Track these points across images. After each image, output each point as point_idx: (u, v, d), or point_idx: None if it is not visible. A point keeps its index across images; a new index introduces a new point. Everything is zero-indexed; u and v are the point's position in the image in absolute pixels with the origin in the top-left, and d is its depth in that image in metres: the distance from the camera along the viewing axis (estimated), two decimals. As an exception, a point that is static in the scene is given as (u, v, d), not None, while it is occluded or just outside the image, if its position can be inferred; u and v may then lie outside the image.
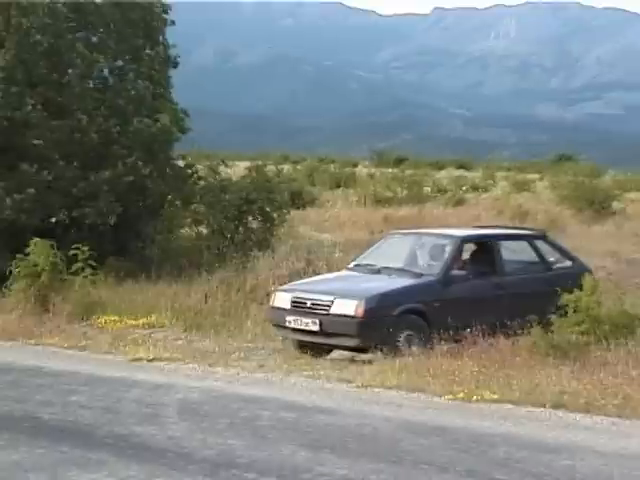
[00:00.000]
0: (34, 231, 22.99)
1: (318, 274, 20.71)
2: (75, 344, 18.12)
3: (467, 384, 13.13)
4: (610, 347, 14.71)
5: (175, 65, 28.69)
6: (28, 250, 21.64)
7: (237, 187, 28.23)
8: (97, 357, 17.07)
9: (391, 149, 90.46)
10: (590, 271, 18.31)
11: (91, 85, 27.30)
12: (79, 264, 21.30)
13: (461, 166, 79.95)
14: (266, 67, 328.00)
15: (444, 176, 65.79)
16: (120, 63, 27.93)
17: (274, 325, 17.46)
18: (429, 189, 52.96)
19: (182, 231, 28.80)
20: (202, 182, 28.33)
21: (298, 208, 36.57)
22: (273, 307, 17.32)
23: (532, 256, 18.45)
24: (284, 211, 29.22)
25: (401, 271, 17.46)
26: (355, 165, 78.55)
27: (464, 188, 55.47)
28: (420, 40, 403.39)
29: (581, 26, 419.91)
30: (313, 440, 10.69)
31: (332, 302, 16.23)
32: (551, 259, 18.53)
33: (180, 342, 17.89)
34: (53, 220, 24.91)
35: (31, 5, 25.58)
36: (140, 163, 25.93)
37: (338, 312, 16.09)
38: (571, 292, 16.50)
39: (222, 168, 30.40)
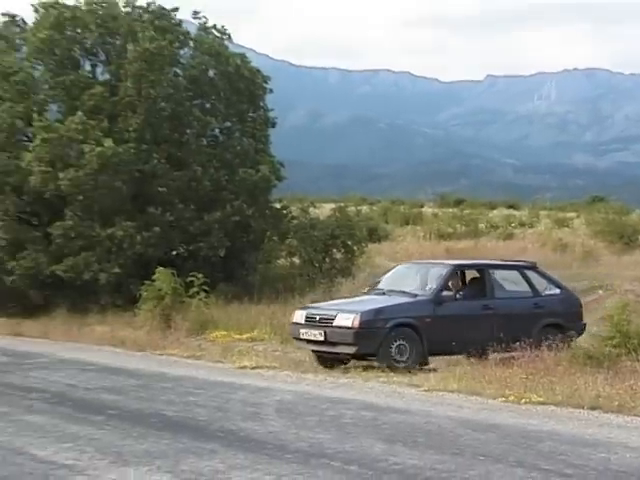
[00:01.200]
0: (159, 262, 23.23)
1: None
2: (192, 354, 18.31)
3: (517, 389, 13.04)
4: (638, 358, 14.53)
5: (273, 125, 28.88)
6: (154, 277, 21.87)
7: (324, 225, 28.30)
8: (210, 365, 17.20)
9: (451, 192, 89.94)
10: (577, 298, 18.40)
11: (205, 142, 27.57)
12: (195, 289, 21.47)
13: (510, 206, 78.98)
14: (348, 126, 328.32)
15: (496, 215, 65.10)
16: (228, 124, 28.17)
17: (293, 338, 17.45)
18: (483, 225, 52.55)
19: (279, 261, 28.91)
20: (295, 221, 28.43)
21: (374, 242, 36.43)
22: (292, 323, 17.31)
23: (523, 284, 17.76)
24: (363, 244, 29.25)
25: (401, 292, 17.35)
26: (421, 206, 78.05)
27: (513, 224, 54.91)
28: (475, 102, 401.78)
29: (610, 89, 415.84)
30: (388, 435, 10.68)
31: (335, 316, 16.29)
32: (540, 287, 17.74)
33: (277, 353, 17.95)
34: (174, 253, 25.19)
35: (158, 79, 25.91)
36: (244, 206, 26.09)
37: (339, 324, 16.10)
38: (558, 315, 17.03)
39: (311, 209, 30.55)
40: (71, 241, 24.58)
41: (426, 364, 16.34)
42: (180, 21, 28.14)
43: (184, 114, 26.67)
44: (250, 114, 28.08)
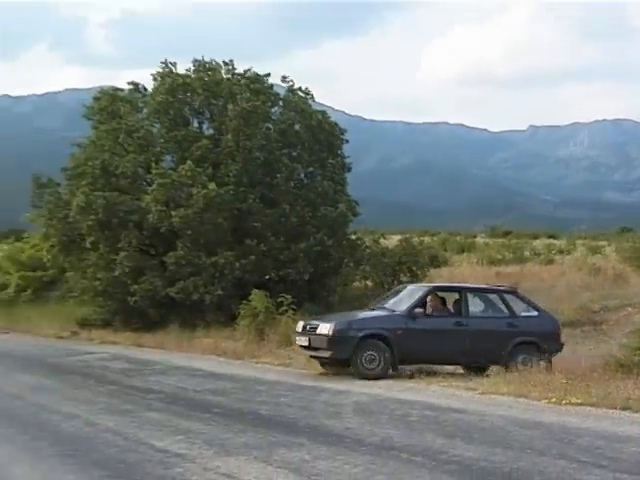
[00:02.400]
0: (254, 285, 23.38)
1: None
2: (282, 362, 18.38)
3: (558, 392, 12.87)
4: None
5: (349, 169, 28.96)
6: (250, 298, 22.01)
7: (392, 253, 28.29)
8: (297, 372, 17.24)
9: (500, 225, 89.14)
10: (555, 321, 17.48)
11: (292, 185, 27.70)
12: (284, 307, 21.55)
13: (550, 236, 78.06)
14: (412, 169, 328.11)
15: (538, 244, 64.36)
16: (312, 169, 28.30)
17: (296, 343, 17.47)
18: (528, 253, 51.97)
19: (354, 284, 28.92)
20: (368, 250, 28.44)
21: (435, 267, 36.13)
22: (295, 331, 17.47)
23: (501, 306, 17.03)
24: (425, 269, 29.19)
25: (383, 308, 17.11)
26: (474, 236, 77.44)
27: (553, 252, 54.24)
28: (520, 148, 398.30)
29: (635, 136, 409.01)
30: (448, 431, 10.62)
31: (318, 326, 16.34)
32: (517, 309, 16.93)
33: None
34: (267, 277, 25.29)
35: (253, 133, 26.16)
36: (325, 237, 26.15)
37: (319, 332, 16.13)
38: (533, 335, 16.37)
39: (382, 240, 30.55)
40: (182, 268, 24.85)
41: (395, 371, 16.19)
42: (271, 84, 28.44)
43: (275, 161, 26.90)
44: (330, 161, 28.22)
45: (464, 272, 37.86)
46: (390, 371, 16.19)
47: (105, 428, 11.50)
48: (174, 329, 24.30)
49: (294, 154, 27.95)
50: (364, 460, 9.09)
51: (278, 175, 27.07)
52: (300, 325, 17.22)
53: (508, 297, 17.10)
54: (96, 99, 28.88)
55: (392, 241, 32.34)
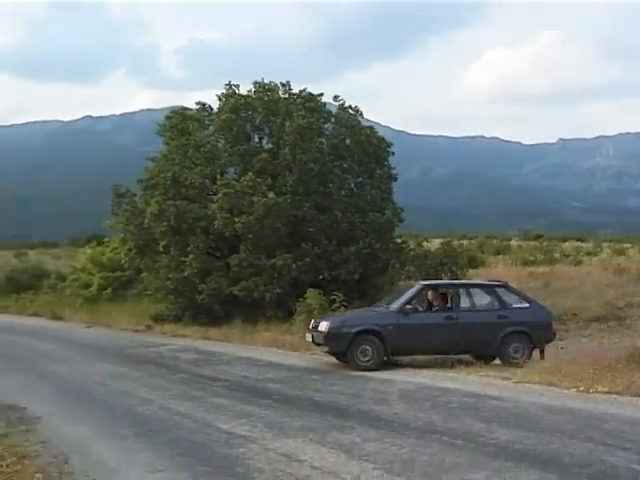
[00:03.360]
0: (309, 284, 23.40)
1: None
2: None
3: (586, 381, 12.69)
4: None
5: (395, 179, 28.83)
6: (306, 296, 22.05)
7: (434, 255, 28.18)
8: (345, 362, 17.10)
9: (532, 229, 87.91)
10: (547, 311, 17.03)
11: (343, 193, 27.68)
12: (336, 304, 21.53)
13: (579, 239, 76.86)
14: (452, 179, 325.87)
15: (567, 246, 63.53)
16: (361, 179, 28.23)
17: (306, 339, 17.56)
18: (558, 255, 51.36)
19: (400, 283, 28.82)
20: (412, 252, 28.33)
21: (473, 268, 35.90)
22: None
23: (492, 299, 16.64)
24: (464, 270, 28.99)
25: (381, 306, 17.21)
26: (509, 240, 76.60)
27: (581, 254, 53.51)
28: (550, 159, 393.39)
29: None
30: (485, 417, 10.54)
31: (319, 323, 16.50)
32: (509, 301, 16.54)
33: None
34: (320, 277, 25.30)
35: (308, 147, 26.21)
36: (373, 241, 26.09)
37: (320, 329, 16.28)
38: (524, 325, 16.06)
39: (424, 243, 30.45)
40: (244, 269, 24.96)
41: (388, 362, 16.07)
42: (324, 103, 28.44)
43: (327, 172, 26.91)
44: (377, 171, 28.13)
45: (500, 272, 37.58)
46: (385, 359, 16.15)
47: (176, 412, 11.61)
48: (237, 324, 24.41)
49: (345, 166, 27.93)
50: (409, 442, 9.06)
51: (331, 185, 27.11)
52: (311, 323, 17.28)
53: (500, 291, 16.76)
54: (168, 118, 29.17)
55: (434, 244, 32.20)
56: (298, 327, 21.57)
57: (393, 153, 28.81)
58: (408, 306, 16.28)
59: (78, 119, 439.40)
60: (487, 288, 17.10)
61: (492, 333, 16.01)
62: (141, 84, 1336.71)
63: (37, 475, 8.01)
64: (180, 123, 28.29)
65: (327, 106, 28.59)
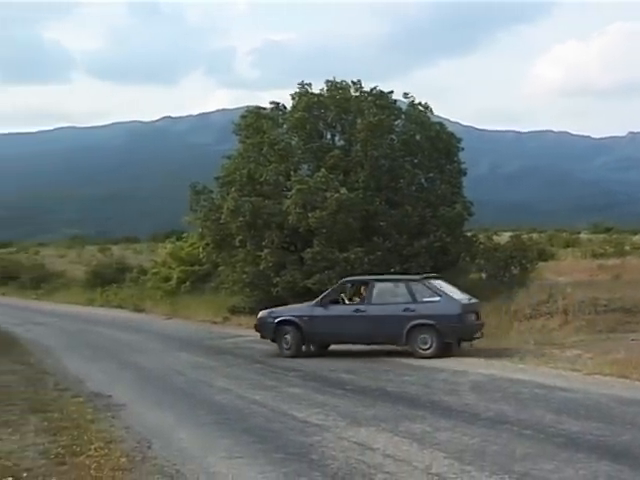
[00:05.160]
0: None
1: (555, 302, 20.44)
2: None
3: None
4: None
5: (464, 174, 28.50)
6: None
7: (504, 248, 27.76)
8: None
9: (602, 222, 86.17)
10: (457, 305, 16.52)
11: (413, 188, 27.51)
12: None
13: (650, 230, 75.30)
14: (520, 174, 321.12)
15: (638, 239, 62.17)
16: (431, 174, 28.00)
17: None
18: (628, 247, 50.23)
19: (470, 276, 28.58)
20: (482, 245, 28.00)
21: (543, 261, 35.34)
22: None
23: (405, 293, 16.80)
24: (534, 263, 28.52)
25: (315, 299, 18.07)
26: (579, 233, 75.28)
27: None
28: (620, 152, 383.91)
29: None
30: (555, 408, 10.40)
31: (259, 314, 18.35)
32: (420, 295, 16.62)
33: (469, 344, 17.67)
34: (392, 270, 25.21)
35: (379, 143, 26.14)
36: (444, 235, 25.86)
37: (257, 318, 18.29)
38: (430, 318, 16.18)
39: (494, 237, 30.08)
40: (318, 262, 25.02)
41: (305, 350, 17.35)
42: (395, 100, 28.29)
43: (398, 168, 26.78)
44: (447, 166, 27.87)
45: (569, 265, 37.00)
46: (304, 349, 17.35)
47: (253, 401, 11.75)
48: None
49: (415, 161, 27.74)
50: (480, 432, 9.01)
51: (401, 180, 26.96)
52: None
53: (414, 285, 16.91)
54: (243, 117, 29.39)
55: (503, 238, 31.76)
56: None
57: (463, 148, 28.49)
58: (328, 299, 17.41)
59: (157, 120, 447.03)
60: (401, 282, 17.44)
61: (398, 325, 16.31)
62: (217, 85, 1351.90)
63: (122, 459, 8.20)
64: (255, 122, 28.48)
65: (397, 103, 28.42)
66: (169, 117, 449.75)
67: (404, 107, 28.36)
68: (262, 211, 25.81)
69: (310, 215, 24.77)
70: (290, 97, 28.86)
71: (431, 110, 28.46)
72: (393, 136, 27.65)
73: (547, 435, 8.77)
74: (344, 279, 18.76)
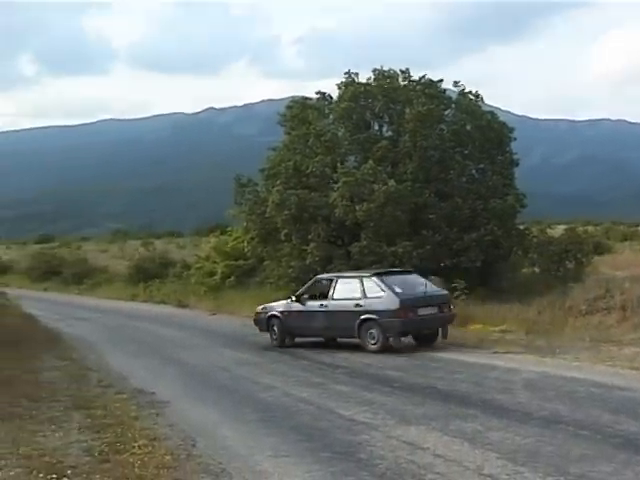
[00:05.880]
0: (430, 272, 23.23)
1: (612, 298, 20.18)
2: (454, 342, 17.95)
3: None
4: None
5: (517, 164, 28.24)
6: (426, 283, 21.91)
7: (558, 241, 27.47)
8: (470, 350, 16.88)
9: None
10: (396, 300, 16.98)
11: (464, 180, 27.35)
12: (458, 292, 21.37)
13: None
14: (575, 164, 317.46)
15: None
16: (482, 165, 27.81)
17: None
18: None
19: (523, 270, 28.35)
20: (535, 239, 27.74)
21: (599, 255, 34.92)
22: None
23: (358, 289, 17.73)
24: (589, 256, 28.20)
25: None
26: (637, 225, 74.20)
27: None
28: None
29: None
30: (613, 407, 10.27)
31: (256, 309, 20.43)
32: (370, 291, 17.50)
33: (523, 341, 17.48)
34: (442, 265, 25.11)
35: (428, 133, 26.02)
36: (495, 228, 25.66)
37: (255, 312, 20.45)
38: (374, 313, 17.05)
39: (548, 230, 29.76)
40: (365, 257, 24.99)
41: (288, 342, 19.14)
42: (444, 89, 28.12)
43: (448, 159, 26.64)
44: (499, 157, 27.64)
45: (627, 259, 36.49)
46: (287, 341, 19.15)
47: (299, 398, 11.80)
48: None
49: (466, 152, 27.56)
50: (533, 432, 8.94)
51: (451, 171, 26.81)
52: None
53: (366, 281, 17.80)
54: (288, 108, 29.46)
55: (557, 231, 31.43)
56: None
57: (515, 138, 28.24)
58: (304, 296, 19.01)
59: (201, 111, 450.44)
60: (356, 279, 18.29)
61: (350, 320, 17.42)
62: (261, 75, 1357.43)
63: (166, 457, 8.30)
64: (300, 112, 28.52)
65: (447, 92, 28.26)
66: (213, 108, 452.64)
67: (454, 96, 28.19)
68: (308, 204, 25.85)
69: (357, 208, 24.75)
70: (336, 87, 28.85)
71: (482, 99, 28.26)
72: (443, 126, 27.51)
73: (604, 436, 8.67)
74: (317, 276, 20.17)
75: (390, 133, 27.91)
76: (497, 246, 26.18)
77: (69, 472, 7.84)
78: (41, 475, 7.71)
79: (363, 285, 17.77)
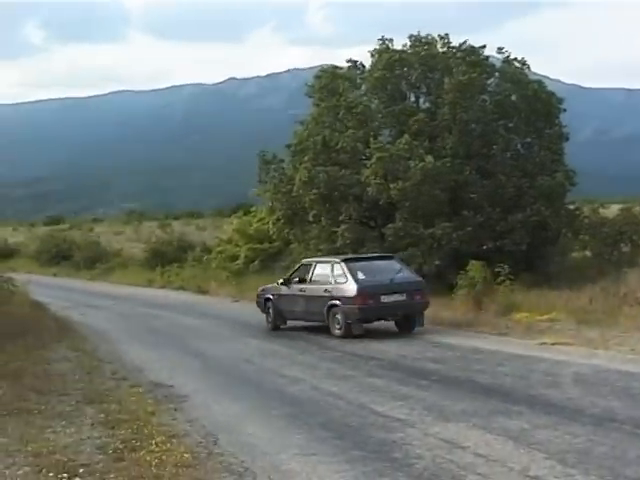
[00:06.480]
0: (471, 255, 23.17)
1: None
2: (499, 332, 18.08)
3: None
4: None
5: (566, 139, 28.04)
6: (467, 268, 21.86)
7: (612, 223, 27.28)
8: (515, 341, 16.86)
9: None
10: (355, 287, 18.19)
11: (508, 155, 27.21)
12: (502, 278, 21.27)
13: None
14: (632, 138, 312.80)
15: None
16: (528, 140, 27.64)
17: None
18: None
19: (573, 254, 28.16)
20: (586, 220, 27.56)
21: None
22: None
23: (330, 274, 19.25)
24: (648, 239, 27.97)
25: None
26: (700, 205, 73.43)
27: None
28: None
29: None
30: (672, 404, 10.21)
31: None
32: (339, 277, 18.86)
33: (572, 332, 17.34)
34: (484, 248, 25.01)
35: (469, 105, 25.88)
36: (542, 208, 25.52)
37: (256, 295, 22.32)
38: (337, 299, 18.44)
39: (601, 210, 29.55)
40: (400, 239, 24.98)
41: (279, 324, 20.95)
42: (487, 56, 27.93)
43: (491, 133, 26.50)
44: (547, 130, 27.46)
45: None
46: (278, 323, 20.89)
47: (328, 392, 11.82)
48: (393, 298, 24.41)
49: (510, 125, 27.41)
50: (585, 431, 8.89)
51: (494, 146, 26.68)
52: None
53: (336, 266, 19.18)
54: (317, 78, 29.39)
55: (611, 211, 31.14)
56: (459, 302, 21.45)
57: (565, 110, 28.01)
58: (292, 279, 20.48)
59: (222, 82, 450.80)
60: (328, 264, 19.78)
61: (321, 305, 19.02)
62: (287, 42, 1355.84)
63: (186, 455, 8.34)
64: (330, 83, 28.46)
65: (490, 59, 28.05)
66: (234, 79, 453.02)
67: (498, 64, 28.00)
68: (338, 182, 25.84)
69: (392, 186, 24.70)
70: (369, 54, 28.76)
71: (528, 67, 28.05)
72: (485, 97, 27.37)
73: (663, 435, 8.61)
74: (303, 262, 21.55)
75: (427, 105, 27.82)
76: (544, 228, 26.04)
77: (81, 471, 7.91)
78: (51, 474, 7.78)
79: (333, 271, 19.25)
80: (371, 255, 21.69)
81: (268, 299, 21.32)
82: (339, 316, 18.51)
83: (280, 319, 21.01)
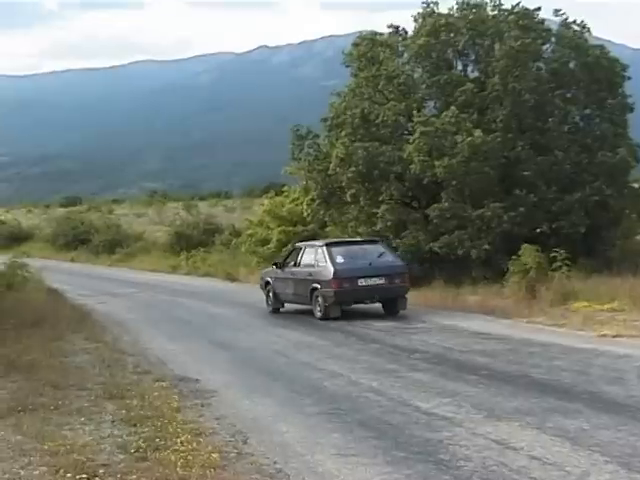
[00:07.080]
0: (524, 239, 23.06)
1: None
2: (555, 323, 17.98)
3: None
4: None
5: (632, 110, 27.73)
6: (520, 253, 21.76)
7: (682, 203, 27.03)
8: (572, 333, 16.77)
9: None
10: (330, 271, 20.34)
11: (565, 129, 27.02)
12: (558, 263, 21.14)
13: None
14: None
15: None
16: (588, 111, 27.45)
17: None
18: None
19: (637, 237, 27.90)
20: (651, 200, 27.30)
21: None
22: None
23: (314, 258, 21.34)
24: None
25: None
26: None
27: None
28: None
29: None
30: None
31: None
32: (321, 261, 20.89)
33: (637, 323, 17.16)
34: (537, 230, 24.86)
35: (522, 73, 25.69)
36: (603, 186, 25.33)
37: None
38: (317, 282, 20.60)
39: (670, 188, 29.25)
40: (446, 221, 24.92)
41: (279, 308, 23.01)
42: (542, 20, 27.70)
43: (546, 104, 26.30)
44: (609, 101, 27.17)
45: None
46: (281, 308, 22.94)
47: (368, 388, 11.82)
48: (438, 285, 24.39)
49: (568, 95, 27.19)
50: (651, 432, 8.81)
51: (550, 119, 26.49)
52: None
53: (319, 250, 21.24)
54: (355, 45, 29.28)
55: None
56: (511, 290, 21.36)
57: (630, 77, 27.71)
58: (287, 263, 22.51)
59: (252, 50, 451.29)
60: (312, 248, 21.83)
61: (305, 288, 21.14)
62: (321, 7, 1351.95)
63: (214, 455, 8.36)
64: (369, 51, 28.37)
65: (546, 23, 27.81)
66: (265, 47, 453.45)
67: (554, 28, 27.76)
68: (378, 159, 25.81)
69: (437, 164, 24.64)
70: (412, 19, 28.66)
71: (589, 30, 27.82)
72: (540, 64, 27.21)
73: None
74: (295, 245, 23.97)
75: (476, 74, 27.72)
76: (605, 208, 25.86)
77: (101, 472, 7.95)
78: (69, 475, 7.83)
79: (316, 255, 21.28)
80: (356, 240, 23.91)
81: (268, 282, 23.34)
82: (320, 299, 20.57)
83: (278, 302, 22.99)
